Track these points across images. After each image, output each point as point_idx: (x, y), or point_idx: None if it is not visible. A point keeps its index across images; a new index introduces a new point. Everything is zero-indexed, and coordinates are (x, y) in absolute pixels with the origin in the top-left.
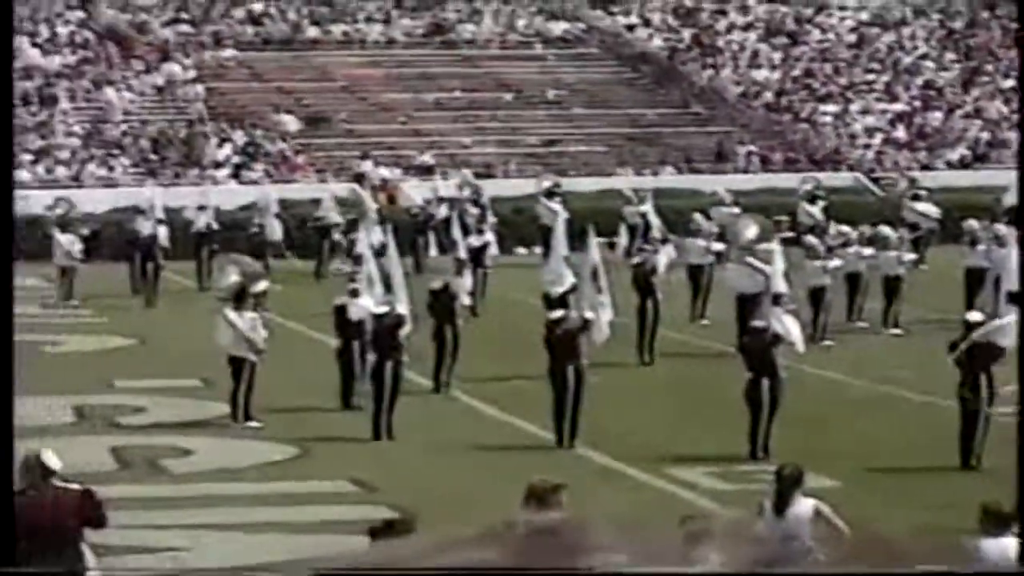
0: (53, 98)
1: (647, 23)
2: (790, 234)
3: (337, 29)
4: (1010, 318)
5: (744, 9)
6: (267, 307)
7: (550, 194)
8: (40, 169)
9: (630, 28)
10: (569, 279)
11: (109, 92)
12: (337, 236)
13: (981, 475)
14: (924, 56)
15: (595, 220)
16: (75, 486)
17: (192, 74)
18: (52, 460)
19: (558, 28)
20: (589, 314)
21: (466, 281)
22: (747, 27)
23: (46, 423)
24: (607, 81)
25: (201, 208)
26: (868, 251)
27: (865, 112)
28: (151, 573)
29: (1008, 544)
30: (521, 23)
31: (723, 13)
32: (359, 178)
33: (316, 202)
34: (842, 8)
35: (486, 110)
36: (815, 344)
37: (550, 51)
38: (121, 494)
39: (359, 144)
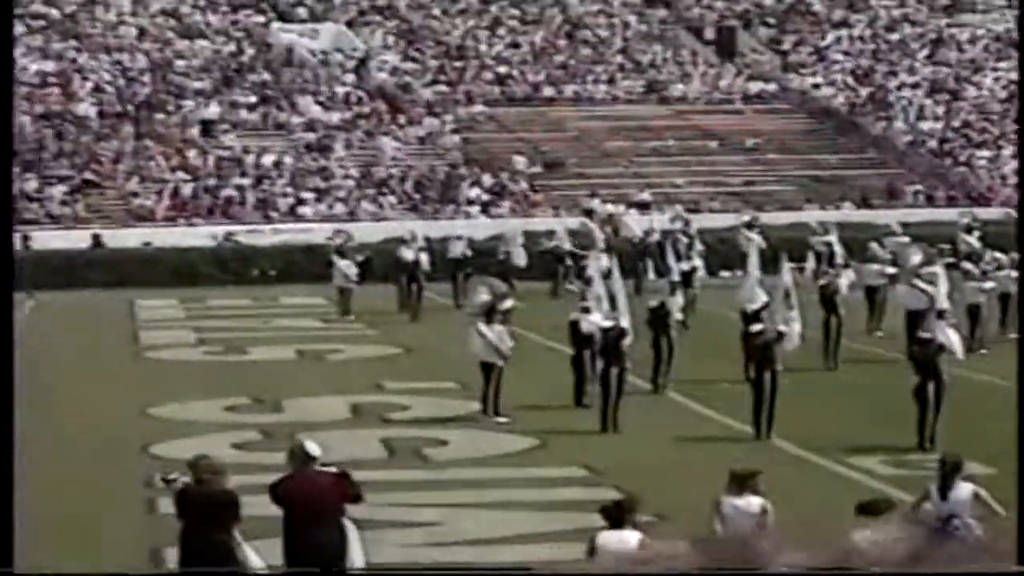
0: (331, 147)
1: (831, 83)
2: (951, 260)
3: (569, 88)
4: None
5: (912, 70)
6: (512, 321)
7: (748, 226)
8: (322, 206)
9: (816, 87)
10: (762, 298)
11: (379, 141)
12: (569, 262)
13: None
14: None
15: (787, 248)
16: (332, 469)
17: (449, 127)
18: (313, 448)
19: (755, 87)
20: (782, 327)
21: (678, 299)
22: (915, 85)
23: (327, 419)
24: (796, 131)
25: (457, 238)
26: (1015, 274)
27: (1014, 156)
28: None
29: None
30: (724, 83)
31: (894, 74)
32: (588, 213)
33: (551, 233)
34: (995, 69)
35: (694, 155)
36: (972, 353)
37: (749, 106)
38: (388, 478)
39: (588, 184)
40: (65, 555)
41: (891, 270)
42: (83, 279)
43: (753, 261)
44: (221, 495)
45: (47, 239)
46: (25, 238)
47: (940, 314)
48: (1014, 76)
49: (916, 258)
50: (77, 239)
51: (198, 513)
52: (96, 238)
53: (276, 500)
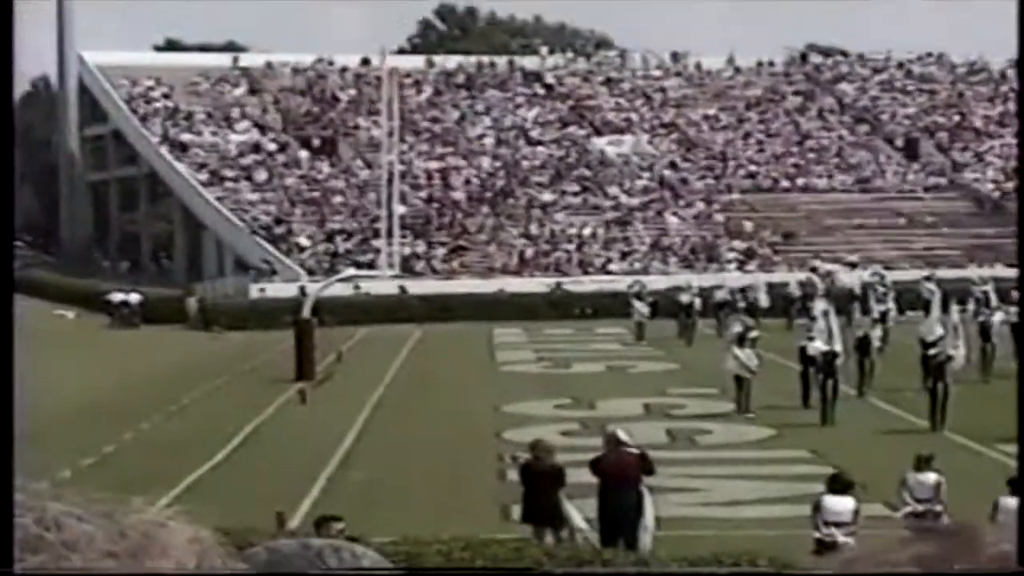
0: (631, 222)
1: (986, 178)
2: None
3: (800, 181)
4: None
5: None
6: (757, 346)
7: (927, 279)
8: (624, 264)
9: (976, 180)
10: (939, 331)
11: (665, 218)
12: (798, 304)
13: None
14: None
15: (955, 295)
16: (635, 450)
17: (715, 208)
18: (622, 435)
19: (932, 181)
20: (951, 352)
21: (877, 331)
22: None
23: (627, 414)
24: (960, 212)
25: (719, 287)
26: None
27: None
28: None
29: None
30: (910, 177)
31: None
32: (813, 270)
33: (786, 284)
34: None
35: (889, 229)
36: None
37: (928, 194)
38: (669, 457)
39: (812, 249)
40: (440, 507)
41: None
42: (458, 315)
43: (933, 304)
44: (551, 468)
45: (430, 286)
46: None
47: None
48: None
49: None
50: (455, 287)
51: (535, 481)
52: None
53: (595, 472)
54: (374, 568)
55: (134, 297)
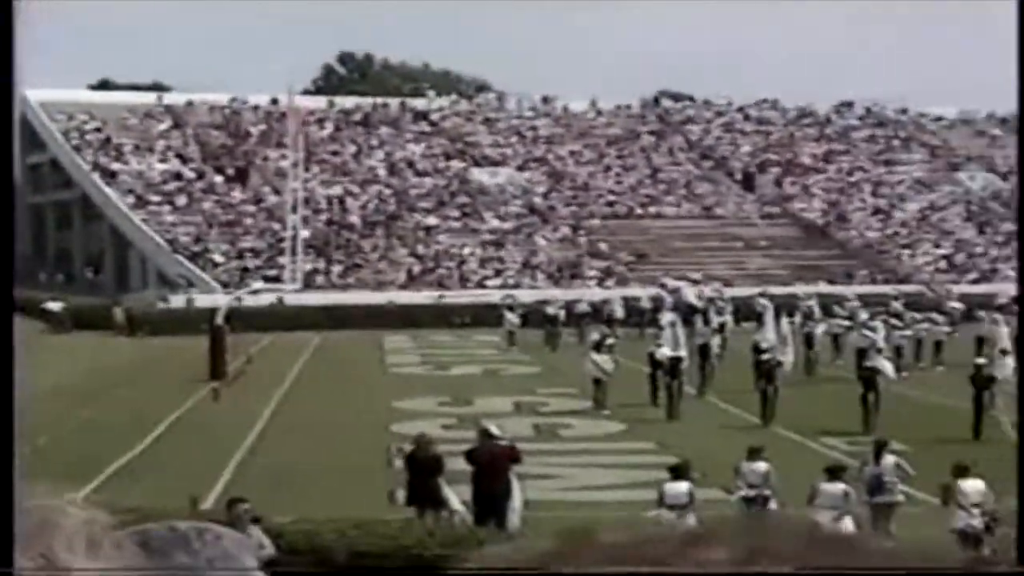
0: (505, 244)
1: (812, 208)
2: (885, 317)
3: (652, 209)
4: None
5: (863, 200)
6: (613, 352)
7: (760, 295)
8: (498, 280)
9: (803, 210)
10: (770, 340)
11: (535, 239)
12: (649, 316)
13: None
14: None
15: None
16: (505, 442)
17: (580, 232)
18: (493, 429)
19: (766, 209)
20: (780, 357)
21: (716, 340)
22: (863, 209)
23: (500, 411)
24: (790, 237)
25: (580, 301)
26: (925, 325)
27: (925, 253)
28: None
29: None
30: (746, 206)
31: (851, 202)
32: (662, 286)
33: (638, 298)
34: (914, 200)
35: (728, 251)
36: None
37: (762, 221)
38: (535, 448)
39: (662, 268)
40: (334, 492)
41: (847, 323)
42: (353, 324)
43: (766, 317)
44: (433, 457)
45: (328, 298)
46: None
47: (878, 351)
48: (917, 206)
49: (863, 314)
50: (350, 299)
51: (419, 468)
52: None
53: (469, 461)
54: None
55: (58, 305)
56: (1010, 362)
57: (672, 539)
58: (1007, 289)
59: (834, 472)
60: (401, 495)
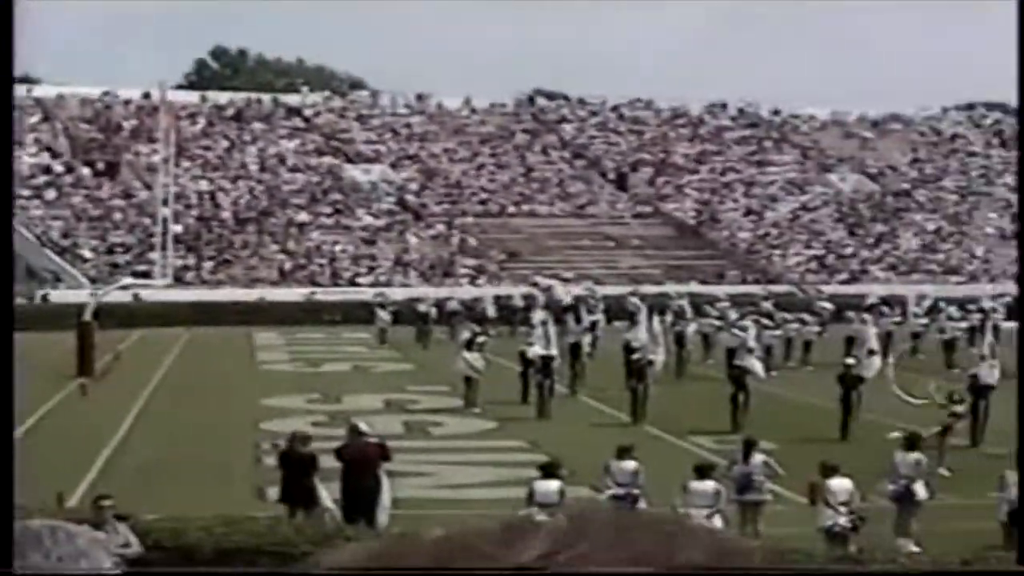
0: (377, 241)
1: (687, 208)
2: (756, 316)
3: (524, 208)
4: None
5: (735, 200)
6: (484, 350)
7: (632, 294)
8: (371, 277)
9: (677, 210)
10: (641, 339)
11: (407, 237)
12: (520, 314)
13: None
14: None
15: (657, 307)
16: (375, 439)
17: (453, 231)
18: (363, 426)
19: (639, 209)
20: (651, 356)
21: (588, 339)
22: (735, 210)
23: (370, 408)
24: (661, 236)
25: (452, 299)
26: (795, 325)
27: (796, 254)
28: None
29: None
30: (619, 206)
31: (722, 203)
32: (534, 284)
33: (510, 297)
34: (784, 201)
35: (600, 251)
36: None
37: (635, 221)
38: (405, 446)
39: (534, 267)
40: (201, 489)
41: (718, 322)
42: (223, 321)
43: (637, 316)
44: (307, 455)
45: (199, 295)
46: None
47: (749, 350)
48: (791, 207)
49: (733, 314)
50: (221, 295)
51: (293, 466)
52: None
53: (338, 458)
54: (375, 568)
55: None
56: (877, 362)
57: (493, 533)
58: (876, 290)
59: (703, 471)
60: (272, 492)
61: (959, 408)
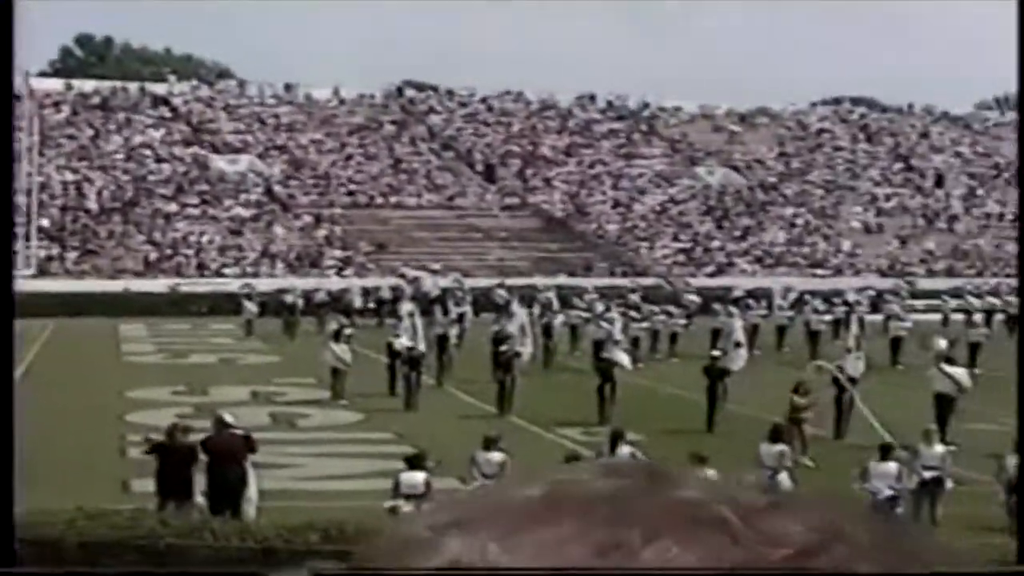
0: (242, 232)
1: (555, 200)
2: (624, 308)
3: (393, 199)
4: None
5: (603, 192)
6: (351, 342)
7: (499, 286)
8: (237, 268)
9: (546, 202)
10: (509, 330)
11: (274, 229)
12: (388, 306)
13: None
14: None
15: (526, 299)
16: (240, 431)
17: (321, 222)
18: (228, 418)
19: (508, 201)
20: (519, 348)
21: (455, 330)
22: (604, 202)
23: (236, 399)
24: (532, 229)
25: (319, 290)
26: (662, 317)
27: (663, 247)
28: None
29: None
30: (488, 198)
31: (591, 194)
32: (402, 276)
33: (378, 288)
34: (653, 195)
35: (468, 242)
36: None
37: (504, 213)
38: (272, 438)
39: (402, 258)
40: (65, 482)
41: (585, 314)
42: (88, 312)
43: (508, 308)
44: (186, 447)
45: (63, 285)
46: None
47: (615, 342)
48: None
49: (600, 306)
50: (86, 286)
51: (170, 458)
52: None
53: (204, 450)
54: (378, 569)
55: None
56: (743, 354)
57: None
58: (742, 283)
59: (571, 462)
60: (137, 485)
61: (803, 400)
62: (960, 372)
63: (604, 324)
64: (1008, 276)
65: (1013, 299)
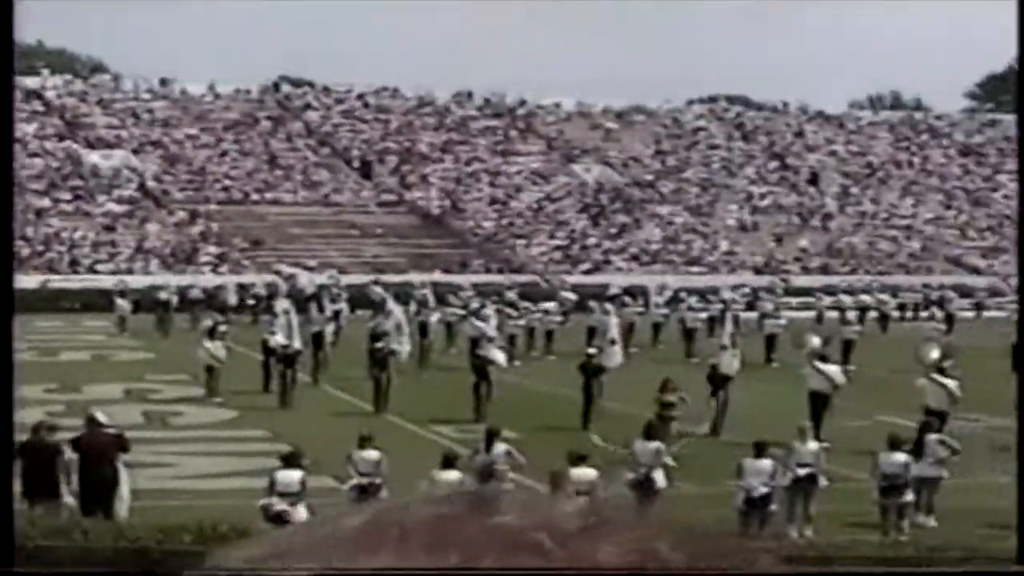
0: (115, 227)
1: (431, 197)
2: (499, 306)
3: (269, 195)
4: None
5: (479, 190)
6: (226, 339)
7: (375, 283)
8: (111, 264)
9: (421, 199)
10: (384, 327)
11: (148, 227)
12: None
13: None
14: None
15: (402, 295)
16: (113, 430)
17: (197, 217)
18: (100, 416)
19: (384, 197)
20: (395, 346)
21: (331, 327)
22: (480, 200)
23: (108, 397)
24: (407, 225)
25: (194, 287)
26: (538, 314)
27: (539, 244)
28: None
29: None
30: (363, 194)
31: (467, 192)
32: (277, 273)
33: (253, 285)
34: (530, 192)
35: (344, 239)
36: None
37: (380, 209)
38: (145, 436)
39: (278, 255)
40: None
41: (461, 312)
42: None
43: (384, 305)
44: (52, 445)
45: None
46: None
47: (490, 340)
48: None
49: (476, 303)
50: None
51: (35, 457)
52: None
53: (75, 449)
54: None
55: None
56: (618, 351)
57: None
58: (618, 280)
59: (449, 461)
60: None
61: (670, 397)
62: (833, 369)
63: (479, 322)
64: (880, 274)
65: (886, 296)
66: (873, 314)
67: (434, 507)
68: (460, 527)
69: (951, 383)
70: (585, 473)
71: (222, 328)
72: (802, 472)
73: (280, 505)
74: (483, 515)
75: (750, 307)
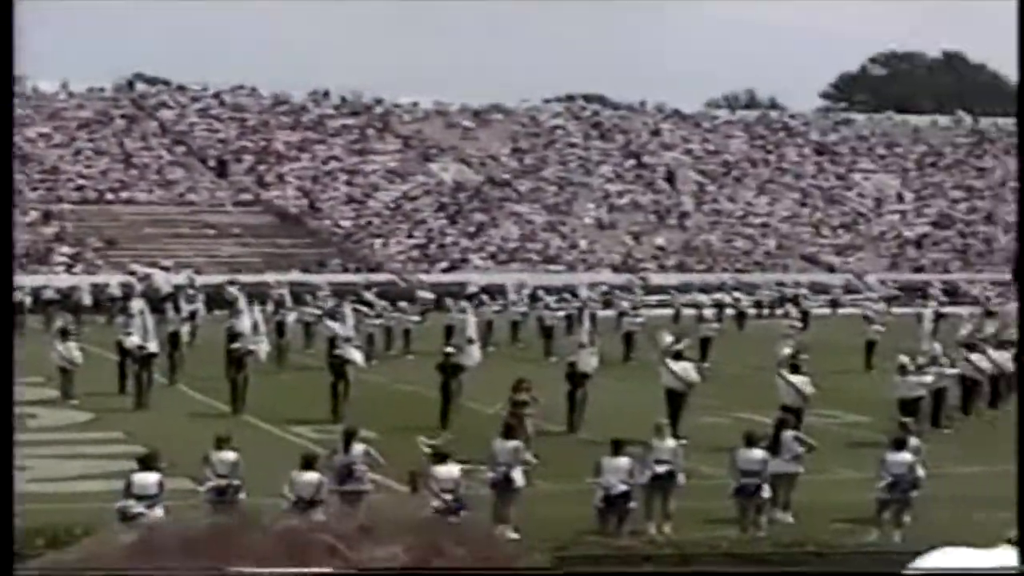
0: None
1: (288, 196)
2: (357, 305)
3: (124, 194)
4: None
5: (335, 186)
6: (79, 339)
7: (231, 283)
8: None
9: (278, 198)
10: (241, 327)
11: None
12: (119, 303)
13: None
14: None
15: (258, 296)
16: None
17: (50, 218)
18: None
19: (241, 197)
20: (252, 346)
21: (187, 328)
22: (336, 198)
23: None
24: (265, 224)
25: (47, 287)
26: (415, 317)
27: (398, 242)
28: None
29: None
30: (220, 194)
31: (324, 191)
32: (132, 273)
33: (107, 285)
34: (397, 186)
35: (200, 238)
36: (369, 362)
37: (236, 208)
38: None
39: (133, 255)
40: None
41: (318, 311)
42: None
43: (237, 305)
44: None
45: None
46: None
47: (347, 339)
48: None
49: (333, 303)
50: None
51: None
52: None
53: None
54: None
55: None
56: (476, 350)
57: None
58: (476, 279)
59: (307, 461)
60: None
61: (522, 396)
62: (686, 367)
63: (334, 322)
64: (737, 272)
65: (740, 295)
66: (730, 312)
67: (212, 520)
68: (245, 535)
69: (800, 380)
70: (448, 471)
71: (74, 329)
72: (660, 469)
73: (137, 508)
74: (263, 523)
75: (608, 305)
